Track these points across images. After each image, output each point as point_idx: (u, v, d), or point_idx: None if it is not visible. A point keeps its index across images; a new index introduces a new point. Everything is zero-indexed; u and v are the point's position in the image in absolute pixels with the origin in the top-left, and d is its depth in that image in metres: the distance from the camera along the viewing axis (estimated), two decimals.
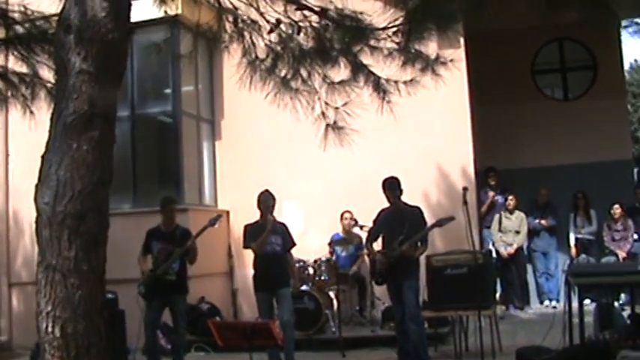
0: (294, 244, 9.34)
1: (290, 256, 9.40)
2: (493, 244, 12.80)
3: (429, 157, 12.06)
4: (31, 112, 8.68)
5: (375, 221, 9.11)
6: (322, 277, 11.22)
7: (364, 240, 9.79)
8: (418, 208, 8.94)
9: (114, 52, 5.04)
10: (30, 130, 8.54)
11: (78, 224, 4.77)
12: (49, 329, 4.73)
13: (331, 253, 11.58)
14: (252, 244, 9.11)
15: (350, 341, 10.34)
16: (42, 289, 4.80)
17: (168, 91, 12.65)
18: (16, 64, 8.62)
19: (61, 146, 4.87)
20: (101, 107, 4.92)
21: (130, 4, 5.26)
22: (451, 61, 7.68)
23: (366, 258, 10.99)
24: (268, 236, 8.98)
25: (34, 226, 5.00)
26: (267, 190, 9.20)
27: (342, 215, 11.85)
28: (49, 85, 8.40)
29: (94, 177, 4.85)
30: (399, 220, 8.68)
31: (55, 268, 4.75)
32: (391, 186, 8.77)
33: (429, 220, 9.05)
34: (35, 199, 4.93)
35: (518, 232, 12.72)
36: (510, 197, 12.83)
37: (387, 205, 8.90)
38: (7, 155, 13.41)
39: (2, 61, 8.96)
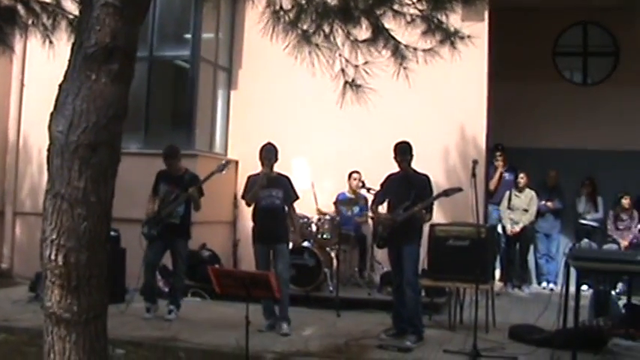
0: (296, 198, 9.31)
1: (292, 210, 9.33)
2: (500, 221, 12.81)
3: (442, 126, 12.04)
4: (51, 42, 8.63)
5: (382, 185, 9.06)
6: (324, 236, 11.27)
7: (370, 202, 9.79)
8: (426, 176, 8.85)
9: None
10: (48, 60, 8.50)
11: (90, 155, 4.77)
12: (52, 257, 4.75)
13: (337, 212, 11.59)
14: (245, 197, 9.17)
15: (346, 301, 10.38)
16: (48, 217, 4.81)
17: (187, 36, 12.62)
18: None
19: (79, 76, 4.84)
20: (123, 41, 4.88)
21: None
22: (469, 37, 7.57)
23: (370, 220, 11.01)
24: (259, 190, 8.97)
25: (43, 155, 5.01)
26: (269, 143, 9.12)
27: (350, 175, 11.86)
28: (70, 16, 8.35)
29: (109, 110, 4.83)
30: (407, 185, 8.64)
31: (63, 197, 4.75)
32: (402, 150, 8.69)
33: (436, 189, 9.00)
34: (49, 127, 4.91)
35: (526, 211, 12.71)
36: (521, 175, 12.80)
37: (396, 169, 8.88)
38: (22, 85, 13.39)
39: None
